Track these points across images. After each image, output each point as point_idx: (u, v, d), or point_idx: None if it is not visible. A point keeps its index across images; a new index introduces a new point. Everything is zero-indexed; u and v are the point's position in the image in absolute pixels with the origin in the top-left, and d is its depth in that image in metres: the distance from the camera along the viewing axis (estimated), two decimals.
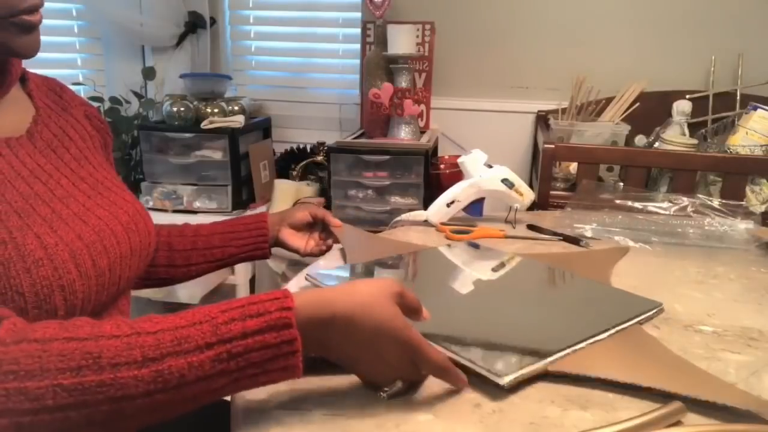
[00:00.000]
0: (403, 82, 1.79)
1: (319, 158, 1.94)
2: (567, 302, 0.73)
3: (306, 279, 0.75)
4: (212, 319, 0.45)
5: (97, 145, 0.75)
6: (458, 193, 1.03)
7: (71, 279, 0.55)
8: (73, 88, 0.78)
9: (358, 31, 1.94)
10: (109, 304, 0.64)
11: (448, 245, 0.92)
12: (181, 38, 2.04)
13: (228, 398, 0.50)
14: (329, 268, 0.82)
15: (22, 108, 0.67)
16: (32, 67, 0.70)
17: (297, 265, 1.67)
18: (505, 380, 0.51)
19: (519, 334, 0.62)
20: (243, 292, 1.81)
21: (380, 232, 1.03)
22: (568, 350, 0.58)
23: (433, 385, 0.54)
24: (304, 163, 1.95)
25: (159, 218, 0.89)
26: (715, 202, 1.05)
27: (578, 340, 0.59)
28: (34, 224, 0.55)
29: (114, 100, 1.98)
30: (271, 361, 0.45)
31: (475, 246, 0.93)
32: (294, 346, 0.45)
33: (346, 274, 0.79)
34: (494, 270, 0.84)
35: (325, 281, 0.73)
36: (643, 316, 0.68)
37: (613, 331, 0.63)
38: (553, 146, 1.29)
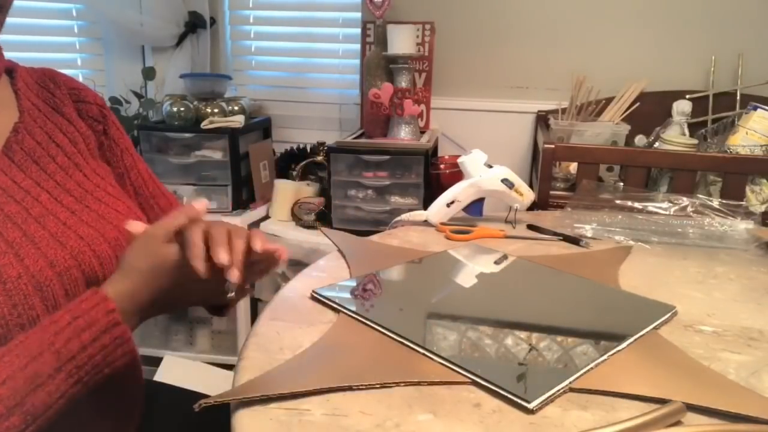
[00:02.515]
0: (403, 82, 1.79)
1: (319, 158, 1.93)
2: (584, 310, 0.72)
3: (312, 296, 0.73)
4: (50, 345, 0.48)
5: (92, 147, 0.69)
6: (458, 193, 1.03)
7: (34, 315, 0.51)
8: None
9: (358, 31, 1.94)
10: None
11: (453, 250, 0.92)
12: (181, 38, 2.04)
13: (228, 398, 0.50)
14: (334, 282, 0.78)
15: (5, 112, 0.62)
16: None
17: (297, 265, 1.67)
18: (532, 404, 0.50)
19: (539, 348, 0.61)
20: None
21: (380, 232, 1.03)
22: (591, 365, 0.57)
23: (433, 385, 0.54)
24: (304, 163, 1.95)
25: None
26: (715, 202, 1.05)
27: (600, 354, 0.59)
28: None
29: (114, 100, 1.98)
30: (111, 355, 0.52)
31: (479, 250, 0.93)
32: (125, 337, 0.52)
33: (352, 285, 0.78)
34: (502, 277, 0.84)
35: (330, 295, 0.72)
36: (658, 321, 0.67)
37: (632, 339, 0.62)
38: (553, 146, 1.29)
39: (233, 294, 0.55)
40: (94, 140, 0.70)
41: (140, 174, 0.76)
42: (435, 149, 1.87)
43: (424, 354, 0.59)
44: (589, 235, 0.99)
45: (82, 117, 0.70)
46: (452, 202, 1.03)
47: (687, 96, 1.70)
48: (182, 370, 1.76)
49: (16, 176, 0.58)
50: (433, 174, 1.72)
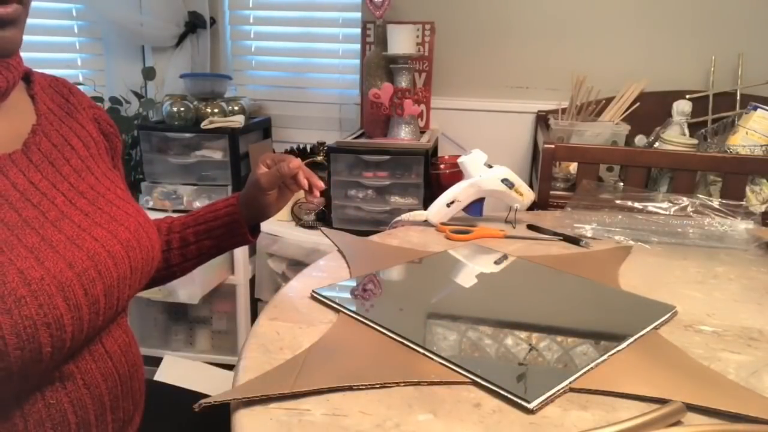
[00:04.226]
0: (403, 82, 1.79)
1: (319, 158, 1.93)
2: (584, 310, 0.72)
3: (312, 296, 0.73)
4: None
5: (103, 151, 0.71)
6: (458, 193, 1.03)
7: (58, 314, 0.52)
8: None
9: (358, 31, 1.93)
10: (104, 327, 0.62)
11: (453, 250, 0.92)
12: (181, 38, 2.04)
13: (228, 398, 0.50)
14: (334, 282, 0.78)
15: (22, 115, 0.64)
16: (31, 67, 0.69)
17: (297, 265, 1.67)
18: (532, 404, 0.50)
19: (539, 348, 0.61)
20: (243, 292, 1.81)
21: (380, 232, 1.03)
22: (591, 365, 0.57)
23: (433, 385, 0.54)
24: (303, 163, 1.95)
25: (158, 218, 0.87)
26: (715, 202, 1.05)
27: (600, 354, 0.59)
28: (17, 258, 0.52)
29: (114, 100, 1.98)
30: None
31: (479, 250, 0.93)
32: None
33: (352, 285, 0.78)
34: (502, 277, 0.84)
35: (330, 295, 0.72)
36: (658, 321, 0.67)
37: (632, 339, 0.62)
38: (553, 146, 1.29)
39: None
40: (105, 145, 0.73)
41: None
42: (435, 149, 1.87)
43: (424, 354, 0.59)
44: (589, 235, 0.99)
45: (98, 121, 0.73)
46: (452, 202, 1.03)
47: (687, 96, 1.70)
48: (182, 370, 1.76)
49: (33, 177, 0.59)
50: (433, 174, 1.72)
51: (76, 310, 0.54)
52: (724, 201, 1.05)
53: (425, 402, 0.51)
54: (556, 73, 1.85)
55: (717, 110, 1.72)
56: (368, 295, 0.75)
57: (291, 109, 2.12)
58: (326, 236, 0.96)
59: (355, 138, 1.81)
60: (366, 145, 1.73)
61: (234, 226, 0.83)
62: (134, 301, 0.73)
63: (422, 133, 1.86)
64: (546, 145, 1.29)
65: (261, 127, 2.05)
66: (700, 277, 0.84)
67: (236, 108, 1.86)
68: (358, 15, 1.95)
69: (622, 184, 1.28)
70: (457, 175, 1.10)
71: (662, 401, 0.51)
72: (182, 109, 1.80)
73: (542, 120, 1.84)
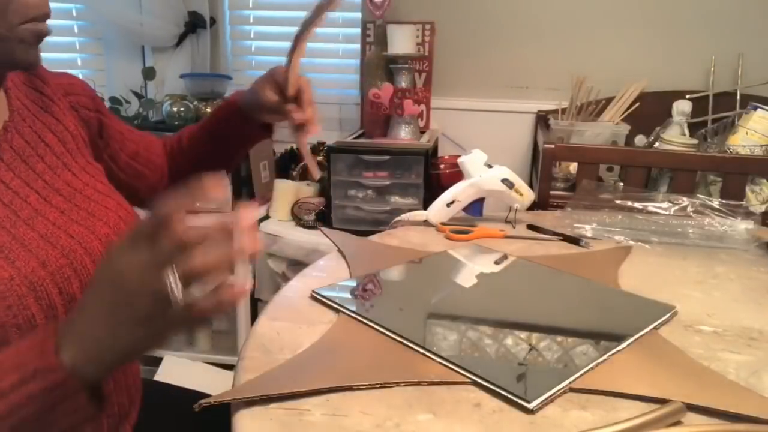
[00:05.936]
0: (403, 82, 1.79)
1: (319, 158, 1.93)
2: (584, 310, 0.72)
3: (312, 296, 0.73)
4: None
5: (81, 144, 0.70)
6: (458, 193, 1.03)
7: (29, 315, 0.51)
8: None
9: (358, 31, 1.93)
10: None
11: (453, 250, 0.92)
12: (181, 38, 2.04)
13: (228, 398, 0.50)
14: (334, 282, 0.77)
15: None
16: None
17: (297, 265, 1.67)
18: (532, 404, 0.50)
19: (539, 348, 0.61)
20: None
21: (380, 232, 1.03)
22: (591, 365, 0.57)
23: (433, 385, 0.54)
24: (304, 163, 1.95)
25: None
26: (715, 202, 1.05)
27: (600, 354, 0.59)
28: None
29: (114, 100, 1.98)
30: (50, 407, 0.42)
31: (479, 250, 0.93)
32: (66, 387, 0.42)
33: (352, 285, 0.78)
34: (502, 277, 0.84)
35: (330, 295, 0.72)
36: (658, 321, 0.67)
37: (632, 339, 0.62)
38: (553, 146, 1.29)
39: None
40: (85, 134, 0.71)
41: (130, 138, 0.85)
42: (435, 149, 1.87)
43: (424, 354, 0.59)
44: (589, 235, 0.99)
45: (76, 109, 0.71)
46: (452, 202, 1.03)
47: (687, 96, 1.70)
48: (182, 370, 1.76)
49: (4, 176, 0.58)
50: (433, 174, 1.71)
51: (50, 310, 0.53)
52: (724, 201, 1.05)
53: (425, 402, 0.51)
54: (556, 73, 1.85)
55: (717, 110, 1.72)
56: (368, 295, 0.75)
57: None
58: (326, 236, 0.96)
59: (355, 138, 1.81)
60: (366, 145, 1.73)
61: (235, 119, 0.88)
62: None
63: (422, 133, 1.86)
64: (546, 145, 1.29)
65: None
66: (700, 277, 0.84)
67: None
68: (358, 15, 1.95)
69: (622, 184, 1.28)
70: (457, 175, 1.10)
71: (662, 401, 0.51)
72: (182, 109, 1.80)
73: (542, 120, 1.84)
